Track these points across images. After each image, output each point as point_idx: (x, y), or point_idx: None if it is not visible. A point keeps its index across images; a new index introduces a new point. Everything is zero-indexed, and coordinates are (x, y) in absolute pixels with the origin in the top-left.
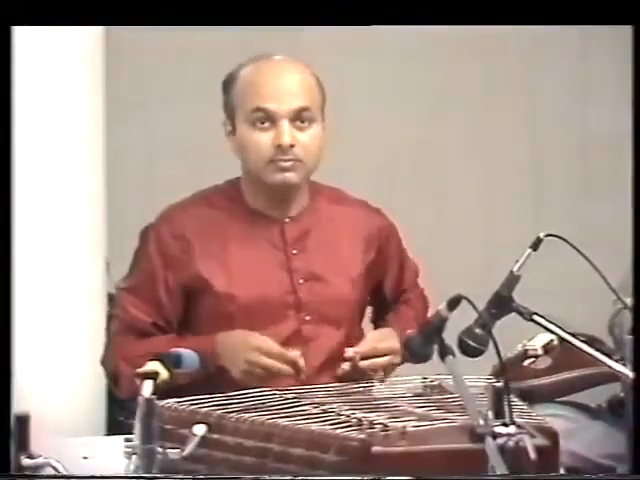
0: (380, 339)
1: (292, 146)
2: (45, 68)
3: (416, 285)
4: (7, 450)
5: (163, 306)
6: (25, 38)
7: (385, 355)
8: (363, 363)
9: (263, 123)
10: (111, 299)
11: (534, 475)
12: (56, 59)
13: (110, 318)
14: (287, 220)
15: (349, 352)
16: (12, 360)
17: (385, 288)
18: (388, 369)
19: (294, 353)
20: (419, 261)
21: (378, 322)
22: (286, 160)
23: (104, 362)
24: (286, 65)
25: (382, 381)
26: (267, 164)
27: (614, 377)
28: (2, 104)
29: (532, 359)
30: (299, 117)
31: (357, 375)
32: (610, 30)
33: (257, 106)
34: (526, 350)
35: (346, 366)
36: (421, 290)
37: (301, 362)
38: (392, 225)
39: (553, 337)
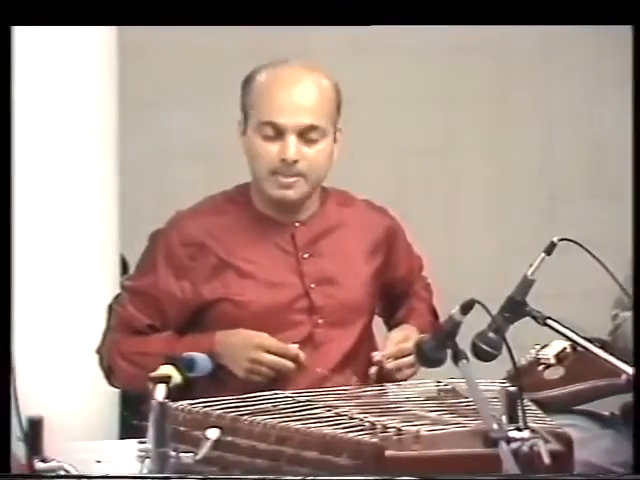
0: (404, 339)
1: (296, 161)
2: (60, 68)
3: (421, 277)
4: (7, 450)
5: (163, 311)
6: (39, 38)
7: (411, 354)
8: (390, 364)
9: (271, 135)
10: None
11: (533, 476)
12: (70, 59)
13: (110, 310)
14: (297, 224)
15: (377, 356)
16: (12, 359)
17: (394, 286)
18: (415, 368)
19: (294, 347)
20: (432, 264)
21: (390, 319)
22: (288, 176)
23: (100, 351)
24: (303, 75)
25: (412, 375)
26: (269, 175)
27: (627, 388)
28: (2, 103)
29: (545, 366)
30: (307, 133)
31: (385, 377)
32: (622, 31)
33: (267, 119)
34: (539, 359)
35: (373, 370)
36: (425, 281)
37: (302, 356)
38: (397, 223)
39: (566, 345)
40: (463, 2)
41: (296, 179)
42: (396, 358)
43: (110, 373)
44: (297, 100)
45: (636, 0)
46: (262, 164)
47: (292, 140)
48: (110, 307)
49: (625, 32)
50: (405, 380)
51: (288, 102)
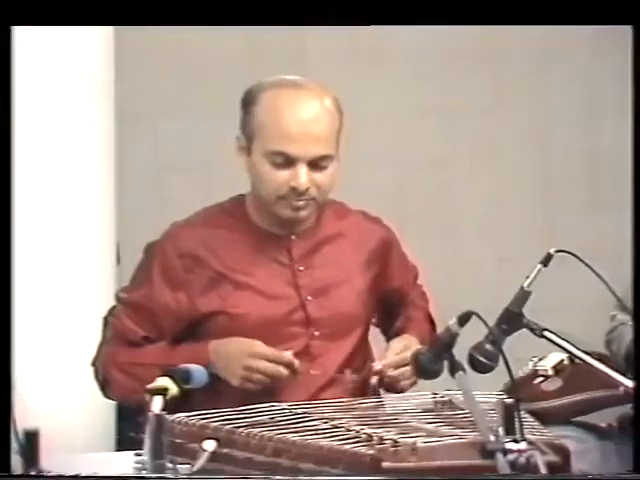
0: (404, 348)
1: (307, 189)
2: (55, 81)
3: (416, 286)
4: (7, 450)
5: (158, 324)
6: (39, 38)
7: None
8: (393, 373)
9: (280, 162)
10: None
11: (532, 476)
12: (67, 72)
13: (105, 322)
14: (293, 237)
15: (377, 365)
16: (12, 361)
17: (390, 296)
18: (416, 377)
19: (288, 354)
20: (430, 275)
21: (388, 330)
22: (299, 200)
23: (95, 364)
24: (309, 98)
25: (414, 384)
26: (279, 199)
27: (625, 399)
28: (2, 103)
29: (542, 378)
30: (319, 162)
31: (386, 387)
32: (622, 31)
33: (279, 150)
34: (536, 370)
35: (375, 380)
36: (421, 289)
37: (296, 363)
38: (392, 233)
39: (563, 357)
40: (463, 2)
41: (307, 202)
42: (396, 367)
43: (105, 385)
44: (308, 130)
45: (636, 0)
46: (271, 190)
47: (303, 170)
48: (105, 319)
49: (625, 32)
50: (405, 390)
51: (300, 131)
